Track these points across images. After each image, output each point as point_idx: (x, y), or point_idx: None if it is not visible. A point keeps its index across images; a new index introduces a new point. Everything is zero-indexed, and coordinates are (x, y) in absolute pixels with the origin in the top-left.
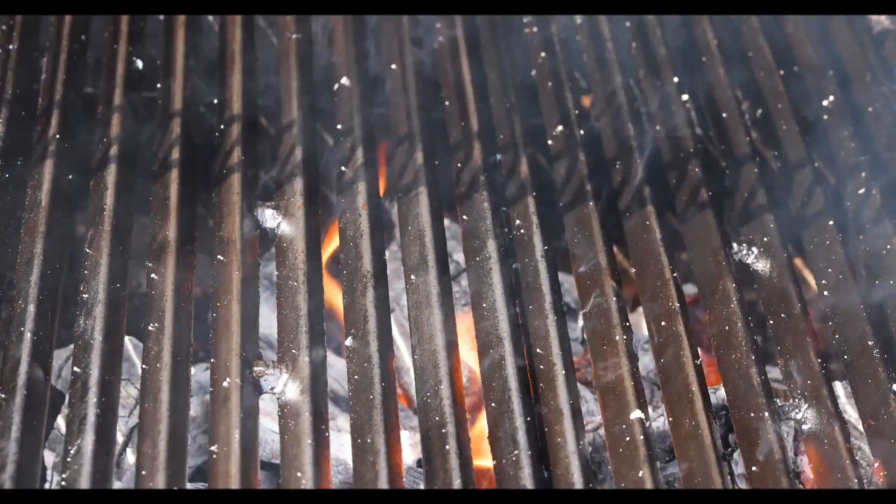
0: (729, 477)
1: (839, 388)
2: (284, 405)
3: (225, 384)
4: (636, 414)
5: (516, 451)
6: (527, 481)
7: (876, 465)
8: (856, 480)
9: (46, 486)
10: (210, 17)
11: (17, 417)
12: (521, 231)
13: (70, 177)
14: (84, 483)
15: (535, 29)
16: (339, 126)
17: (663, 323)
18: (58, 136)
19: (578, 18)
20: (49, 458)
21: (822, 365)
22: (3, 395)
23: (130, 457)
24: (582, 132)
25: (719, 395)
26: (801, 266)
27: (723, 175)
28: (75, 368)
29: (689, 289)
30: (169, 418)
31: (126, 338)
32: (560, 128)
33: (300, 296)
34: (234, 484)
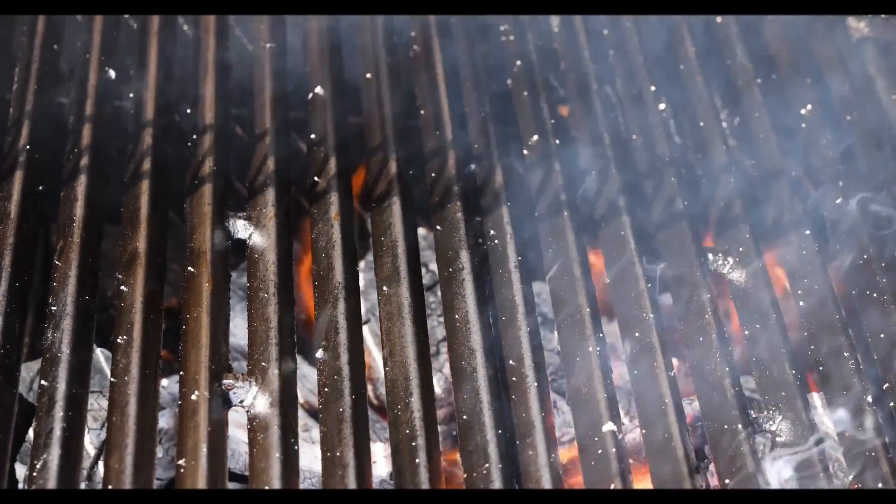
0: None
1: (815, 398)
2: (253, 418)
3: (193, 397)
4: (608, 426)
5: (487, 465)
6: None
7: (851, 476)
8: None
9: None
10: (185, 27)
11: None
12: (496, 241)
13: (40, 188)
14: None
15: (511, 37)
16: (312, 136)
17: (637, 333)
18: (28, 146)
19: (556, 27)
20: (20, 471)
21: (796, 376)
22: None
23: (103, 470)
24: (558, 141)
25: (694, 406)
26: (777, 276)
27: (699, 184)
28: (43, 382)
29: (665, 299)
30: (136, 432)
31: (98, 350)
32: (535, 137)
33: (270, 308)
34: None
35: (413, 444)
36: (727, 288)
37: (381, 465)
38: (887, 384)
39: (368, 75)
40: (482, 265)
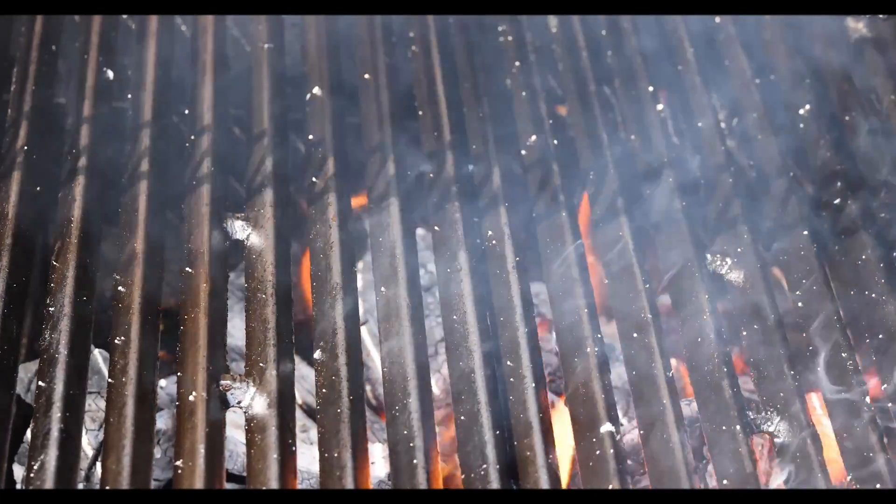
0: None
1: (813, 399)
2: (251, 419)
3: (191, 398)
4: (606, 427)
5: (485, 465)
6: None
7: (849, 477)
8: None
9: None
10: (183, 27)
11: None
12: (494, 242)
13: (38, 188)
14: None
15: (510, 38)
16: (310, 136)
17: (635, 335)
18: (26, 147)
19: (554, 27)
20: (18, 471)
21: (794, 377)
22: None
23: (100, 471)
24: (556, 142)
25: (693, 407)
26: (775, 276)
27: (698, 184)
28: (40, 383)
29: (663, 299)
30: (134, 433)
31: (97, 350)
32: (533, 137)
33: (268, 308)
34: None
35: (411, 444)
36: (725, 288)
37: (380, 466)
38: (886, 385)
39: (367, 76)
40: (480, 266)
